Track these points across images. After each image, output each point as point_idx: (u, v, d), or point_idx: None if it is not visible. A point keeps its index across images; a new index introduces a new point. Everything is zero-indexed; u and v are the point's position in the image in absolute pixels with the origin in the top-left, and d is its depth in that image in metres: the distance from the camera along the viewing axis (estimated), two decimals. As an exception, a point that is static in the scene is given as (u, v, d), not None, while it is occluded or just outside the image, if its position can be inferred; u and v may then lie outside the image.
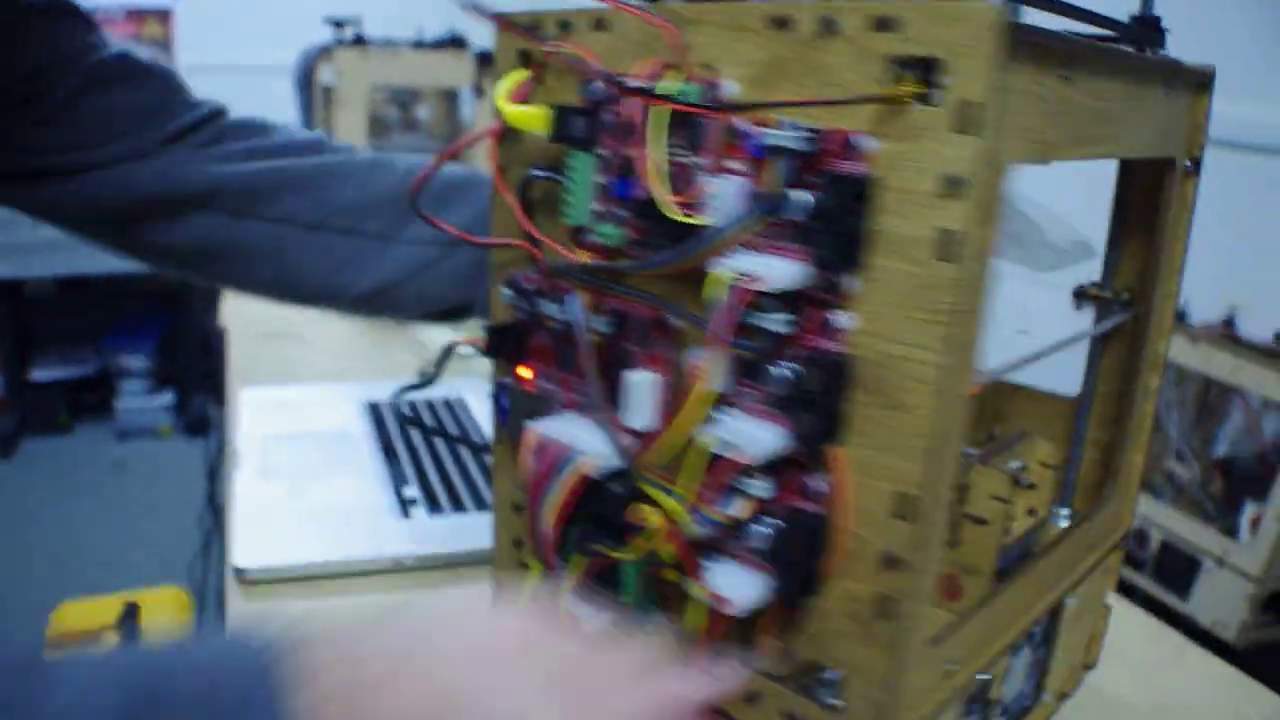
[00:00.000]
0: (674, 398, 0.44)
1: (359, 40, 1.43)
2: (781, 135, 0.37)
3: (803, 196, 0.37)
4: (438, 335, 1.32)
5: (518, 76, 0.48)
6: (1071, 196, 0.58)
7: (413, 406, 1.06)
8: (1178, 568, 1.55)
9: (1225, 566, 1.47)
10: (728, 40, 0.40)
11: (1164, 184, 0.54)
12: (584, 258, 0.45)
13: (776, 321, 0.39)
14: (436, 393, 1.11)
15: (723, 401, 0.40)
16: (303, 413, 1.02)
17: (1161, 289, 0.57)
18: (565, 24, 0.46)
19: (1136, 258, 0.57)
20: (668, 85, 0.40)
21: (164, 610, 1.72)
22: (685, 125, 0.40)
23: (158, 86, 0.70)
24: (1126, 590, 0.89)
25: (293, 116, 1.70)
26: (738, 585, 0.41)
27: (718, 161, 0.40)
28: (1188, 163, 0.55)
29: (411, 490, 0.87)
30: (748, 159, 0.39)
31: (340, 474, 0.90)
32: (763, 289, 0.37)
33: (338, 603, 0.72)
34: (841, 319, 0.38)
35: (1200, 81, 0.55)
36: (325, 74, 1.43)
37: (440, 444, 0.97)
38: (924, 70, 0.34)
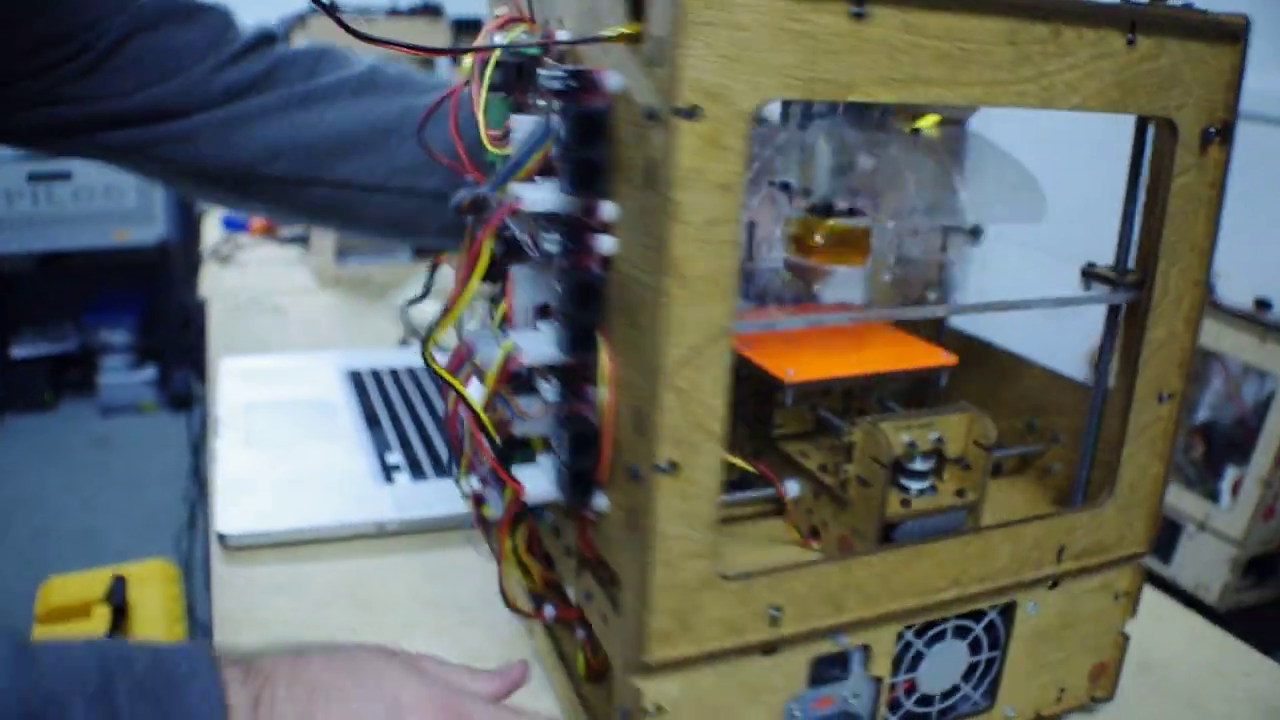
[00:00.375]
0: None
1: (334, 8, 1.41)
2: (549, 75, 0.43)
3: (556, 127, 0.43)
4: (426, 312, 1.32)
5: None
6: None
7: (394, 376, 1.05)
8: (1160, 532, 1.56)
9: (1207, 530, 1.49)
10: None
11: (1170, 152, 0.49)
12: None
13: (549, 241, 0.44)
14: (414, 361, 1.10)
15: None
16: (284, 381, 1.02)
17: (1171, 269, 0.51)
18: None
19: (1150, 236, 0.52)
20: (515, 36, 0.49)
21: (151, 583, 1.72)
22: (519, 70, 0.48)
23: (208, 23, 0.70)
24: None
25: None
26: (532, 478, 0.48)
27: (529, 101, 0.49)
28: (1211, 129, 0.49)
29: (394, 456, 0.87)
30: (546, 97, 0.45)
31: (323, 441, 0.89)
32: (522, 208, 0.43)
33: (320, 568, 0.72)
34: (604, 243, 0.43)
35: (1229, 31, 0.48)
36: (300, 42, 1.41)
37: (423, 410, 0.97)
38: (637, 7, 0.39)
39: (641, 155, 0.39)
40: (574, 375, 0.46)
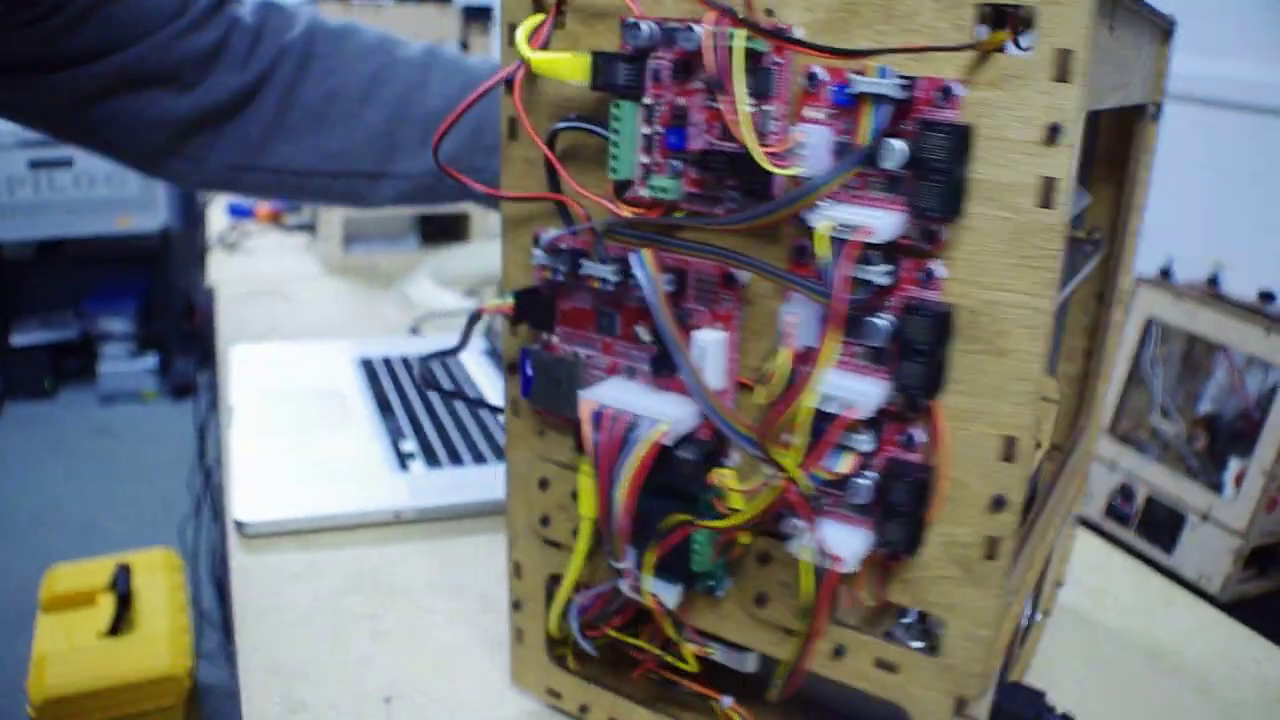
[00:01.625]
0: (741, 357, 0.43)
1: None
2: (877, 82, 0.36)
3: (899, 145, 0.36)
4: (425, 293, 1.32)
5: (535, 20, 0.44)
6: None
7: (405, 364, 1.06)
8: (1163, 523, 1.57)
9: (1209, 521, 1.49)
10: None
11: (1134, 130, 0.57)
12: (627, 213, 0.43)
13: (878, 273, 0.38)
14: (430, 348, 1.11)
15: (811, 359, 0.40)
16: (296, 369, 1.02)
17: (1129, 228, 0.60)
18: None
19: (1103, 201, 0.61)
20: (737, 33, 0.38)
21: (156, 572, 1.73)
22: (753, 74, 0.39)
23: None
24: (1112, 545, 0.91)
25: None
26: (845, 542, 0.41)
27: (793, 110, 0.39)
28: (1153, 108, 0.58)
29: (409, 444, 0.87)
30: (830, 107, 0.38)
31: (336, 429, 0.89)
32: (870, 240, 0.36)
33: (337, 555, 0.72)
34: (939, 268, 0.38)
35: (1165, 29, 0.56)
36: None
37: (436, 400, 0.97)
38: (1014, 18, 0.34)
39: (1026, 173, 0.36)
40: (890, 419, 0.41)
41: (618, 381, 0.47)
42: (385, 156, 0.80)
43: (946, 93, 0.36)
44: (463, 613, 0.67)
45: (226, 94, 0.76)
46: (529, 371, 0.48)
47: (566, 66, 0.42)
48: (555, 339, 0.48)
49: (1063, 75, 0.34)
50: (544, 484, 0.51)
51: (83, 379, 3.26)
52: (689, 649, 0.49)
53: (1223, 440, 1.53)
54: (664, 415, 0.42)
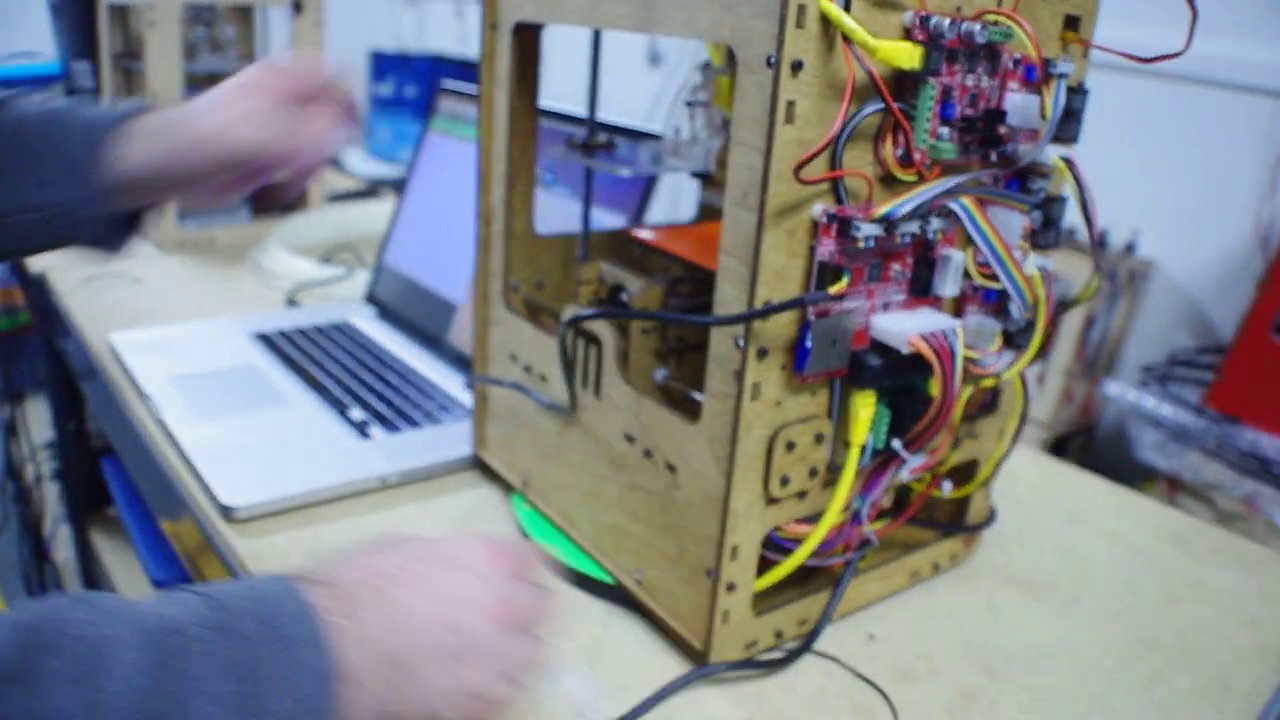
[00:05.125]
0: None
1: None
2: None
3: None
4: (282, 263, 1.26)
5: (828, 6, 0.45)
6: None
7: (305, 335, 1.01)
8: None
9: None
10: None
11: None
12: (909, 178, 0.51)
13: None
14: (320, 318, 1.07)
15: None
16: (194, 351, 0.95)
17: None
18: None
19: None
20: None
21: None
22: (988, 59, 0.52)
23: None
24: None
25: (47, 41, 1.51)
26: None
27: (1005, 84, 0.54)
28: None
29: (358, 413, 0.85)
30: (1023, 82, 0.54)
31: (274, 405, 0.85)
32: None
33: (338, 528, 0.70)
34: None
35: None
36: None
37: (360, 367, 0.94)
38: None
39: None
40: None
41: (886, 317, 0.54)
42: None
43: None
44: (491, 565, 0.67)
45: None
46: (808, 345, 0.51)
47: (905, 54, 0.47)
48: (830, 305, 0.51)
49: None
50: (790, 446, 0.53)
51: None
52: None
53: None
54: (943, 326, 0.53)
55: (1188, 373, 1.46)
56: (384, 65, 3.16)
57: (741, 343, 0.50)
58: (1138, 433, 1.40)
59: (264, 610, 0.38)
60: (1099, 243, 1.42)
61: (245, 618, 0.38)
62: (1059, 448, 1.69)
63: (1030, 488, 0.85)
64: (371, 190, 1.73)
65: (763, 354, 0.50)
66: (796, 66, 0.45)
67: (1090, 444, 1.75)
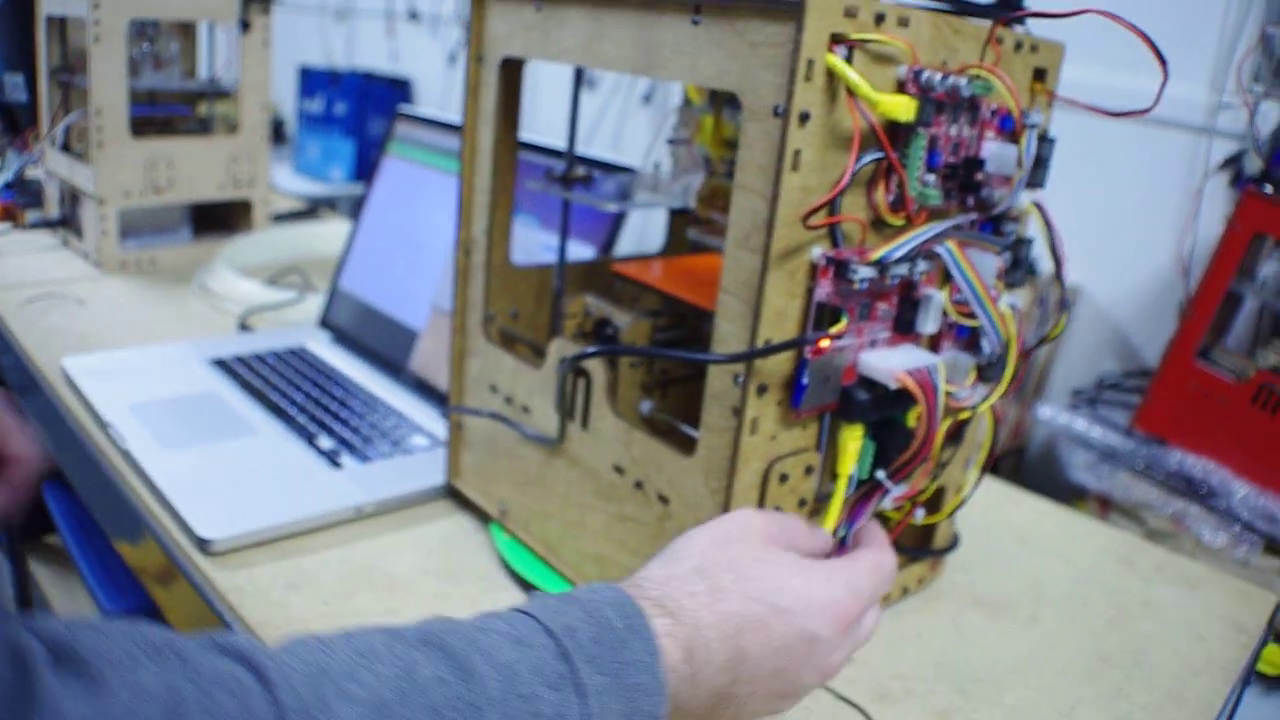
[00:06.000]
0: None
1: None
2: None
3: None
4: (229, 285, 1.24)
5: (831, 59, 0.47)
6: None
7: (249, 362, 1.00)
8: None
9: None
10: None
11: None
12: (898, 222, 0.54)
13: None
14: (276, 343, 1.06)
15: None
16: (148, 378, 0.94)
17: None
18: (880, 16, 0.49)
19: None
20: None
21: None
22: (969, 110, 0.56)
23: None
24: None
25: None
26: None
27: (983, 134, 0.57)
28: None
29: (326, 442, 0.84)
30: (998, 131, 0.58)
31: (239, 435, 0.84)
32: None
33: (318, 559, 0.70)
34: None
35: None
36: (55, 3, 1.26)
37: (323, 394, 0.94)
38: None
39: None
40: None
41: (873, 354, 0.56)
42: None
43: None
44: (474, 594, 0.68)
45: None
46: (804, 382, 0.52)
47: (903, 107, 0.50)
48: (825, 344, 0.53)
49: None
50: (784, 478, 0.55)
51: None
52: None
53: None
54: (926, 362, 0.55)
55: (1115, 396, 1.52)
56: (313, 81, 3.12)
57: (741, 379, 0.51)
58: (1069, 454, 1.46)
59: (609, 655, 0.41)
60: (1029, 271, 1.48)
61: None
62: (992, 468, 1.74)
63: (983, 510, 0.88)
64: (312, 210, 1.71)
65: (762, 390, 0.52)
66: (804, 117, 0.47)
67: (1020, 464, 1.81)
